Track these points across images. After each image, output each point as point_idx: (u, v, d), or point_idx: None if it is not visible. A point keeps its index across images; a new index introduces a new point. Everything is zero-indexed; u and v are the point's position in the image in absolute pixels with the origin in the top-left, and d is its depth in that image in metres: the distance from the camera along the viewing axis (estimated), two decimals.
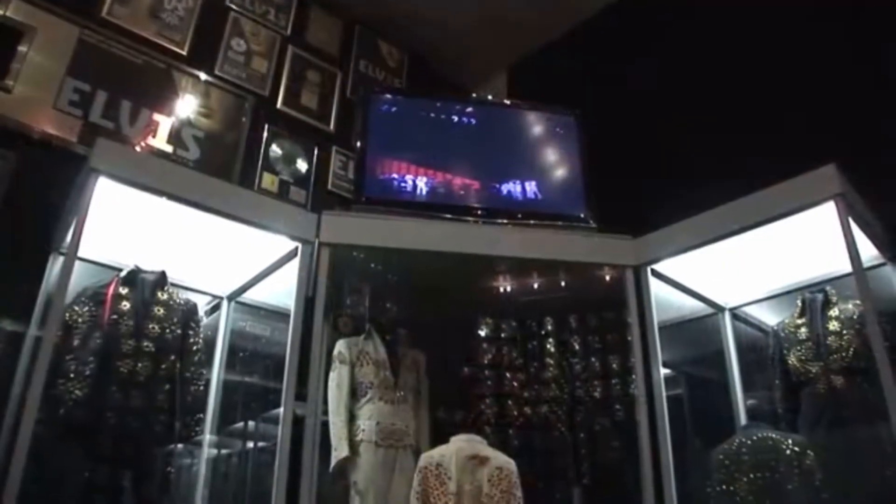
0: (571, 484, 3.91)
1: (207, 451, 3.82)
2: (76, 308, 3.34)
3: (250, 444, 4.06)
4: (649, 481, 3.39)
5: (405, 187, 4.06)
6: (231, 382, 3.97)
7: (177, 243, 3.62)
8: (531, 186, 4.21)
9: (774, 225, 3.34)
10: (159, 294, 3.56)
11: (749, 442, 3.37)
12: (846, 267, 3.15)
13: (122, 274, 3.51)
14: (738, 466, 3.33)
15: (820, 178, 3.20)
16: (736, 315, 4.15)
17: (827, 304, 3.56)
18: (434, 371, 3.93)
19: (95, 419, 3.20)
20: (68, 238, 3.07)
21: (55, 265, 3.39)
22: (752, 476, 3.28)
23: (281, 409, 3.24)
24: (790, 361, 3.58)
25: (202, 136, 4.59)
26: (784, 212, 3.29)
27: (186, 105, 4.61)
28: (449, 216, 3.99)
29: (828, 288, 3.59)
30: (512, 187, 4.20)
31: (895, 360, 2.92)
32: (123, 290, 3.46)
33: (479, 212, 4.06)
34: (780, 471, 3.23)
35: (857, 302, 3.38)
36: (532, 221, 4.09)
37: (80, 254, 3.05)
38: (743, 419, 3.84)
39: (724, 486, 3.35)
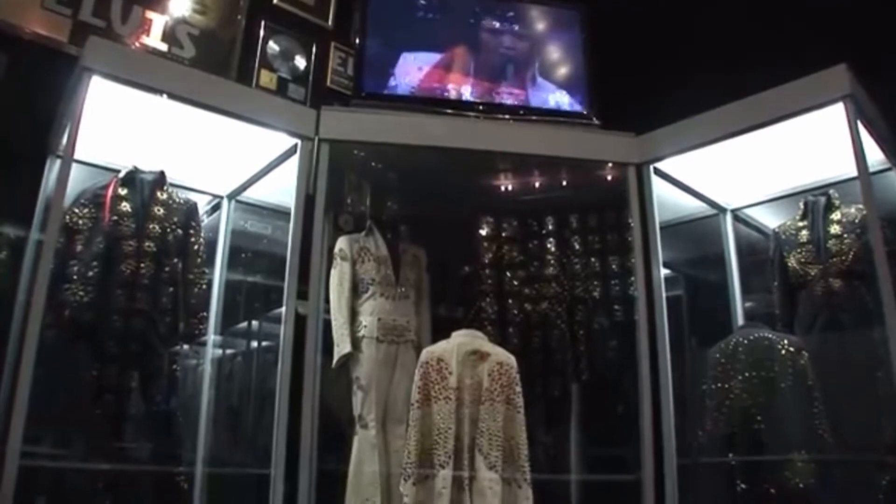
0: (570, 380, 3.97)
1: (212, 352, 3.85)
2: (76, 210, 3.34)
3: (254, 344, 4.11)
4: (646, 378, 3.43)
5: (405, 83, 3.97)
6: (233, 282, 3.96)
7: (175, 143, 3.57)
8: (533, 81, 4.12)
9: (780, 126, 3.28)
10: (158, 194, 3.54)
11: (745, 341, 3.41)
12: (851, 171, 3.13)
13: (121, 175, 3.48)
14: (734, 365, 3.38)
15: (829, 79, 3.13)
16: (737, 216, 4.12)
17: (829, 207, 3.54)
18: (435, 268, 3.93)
19: (101, 321, 3.25)
20: (64, 140, 3.03)
21: (52, 168, 3.34)
22: (746, 374, 3.33)
23: (283, 308, 3.25)
24: (790, 264, 3.59)
25: (197, 33, 4.40)
26: (792, 112, 3.22)
27: (180, 2, 4.40)
28: (449, 111, 3.91)
29: (831, 191, 3.56)
30: (514, 82, 4.11)
31: (894, 266, 2.92)
32: (122, 191, 3.45)
33: (480, 107, 3.99)
34: (774, 370, 3.29)
35: (860, 206, 3.34)
36: (534, 117, 4.01)
37: (77, 156, 3.03)
38: (741, 320, 3.88)
39: (719, 384, 3.40)
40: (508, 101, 4.07)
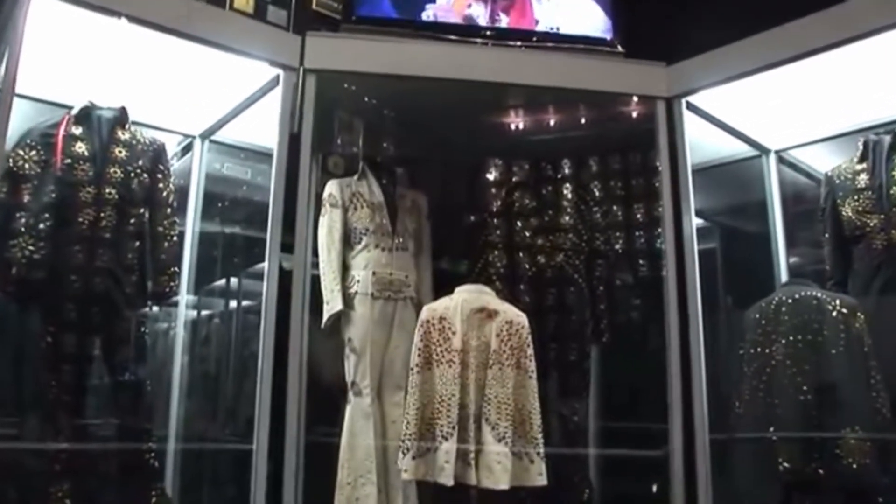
0: (588, 342, 3.83)
1: (185, 313, 3.73)
2: (21, 153, 3.05)
3: (233, 303, 4.05)
4: (675, 342, 3.22)
5: (403, 5, 3.68)
6: (208, 234, 3.79)
7: (137, 75, 3.27)
8: (549, 3, 3.79)
9: (837, 52, 2.93)
10: (120, 133, 3.27)
11: (790, 301, 3.15)
12: None
13: (74, 111, 3.20)
14: (776, 327, 3.14)
15: None
16: (782, 158, 3.88)
17: (894, 147, 3.23)
18: (436, 217, 3.80)
19: (56, 281, 3.03)
20: (2, 71, 2.73)
21: None
22: (790, 338, 3.07)
23: (265, 263, 3.09)
24: (844, 213, 3.32)
25: None
26: (855, 35, 2.87)
27: None
28: (453, 38, 3.62)
29: None
30: (526, 4, 3.78)
31: None
32: (77, 130, 3.17)
33: (489, 33, 3.69)
34: (823, 334, 3.02)
35: None
36: (549, 44, 3.70)
37: (20, 90, 2.73)
38: (784, 277, 3.70)
39: (757, 349, 3.17)
40: (521, 25, 3.75)
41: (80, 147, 3.14)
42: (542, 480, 3.06)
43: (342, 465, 3.29)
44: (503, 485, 2.98)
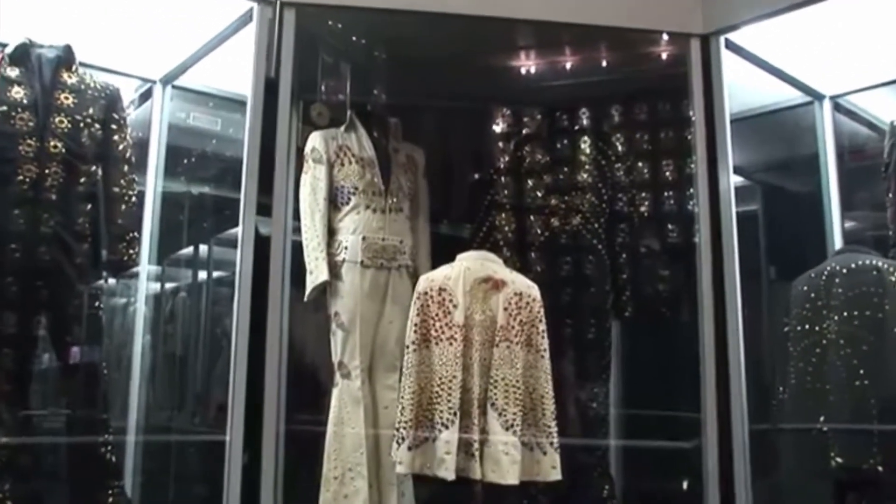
0: (609, 318, 3.64)
1: (147, 286, 3.56)
2: None
3: (202, 274, 3.91)
4: (709, 318, 3.01)
5: None
6: (173, 195, 3.61)
7: (84, 8, 3.08)
8: None
9: None
10: (66, 76, 3.08)
11: (844, 271, 2.96)
12: None
13: (8, 50, 2.99)
14: (828, 301, 2.94)
15: None
16: (839, 105, 3.66)
17: None
18: (435, 174, 3.60)
19: None
20: None
21: None
22: (845, 314, 2.88)
23: (240, 227, 2.91)
24: None
25: None
26: None
27: None
28: None
29: None
30: None
31: None
32: (12, 72, 2.95)
33: None
34: (884, 308, 2.83)
35: None
36: None
37: None
38: (838, 243, 3.50)
39: (806, 325, 2.98)
40: None
41: (18, 92, 2.92)
42: (555, 475, 2.89)
43: (328, 457, 3.14)
44: (511, 479, 2.81)
